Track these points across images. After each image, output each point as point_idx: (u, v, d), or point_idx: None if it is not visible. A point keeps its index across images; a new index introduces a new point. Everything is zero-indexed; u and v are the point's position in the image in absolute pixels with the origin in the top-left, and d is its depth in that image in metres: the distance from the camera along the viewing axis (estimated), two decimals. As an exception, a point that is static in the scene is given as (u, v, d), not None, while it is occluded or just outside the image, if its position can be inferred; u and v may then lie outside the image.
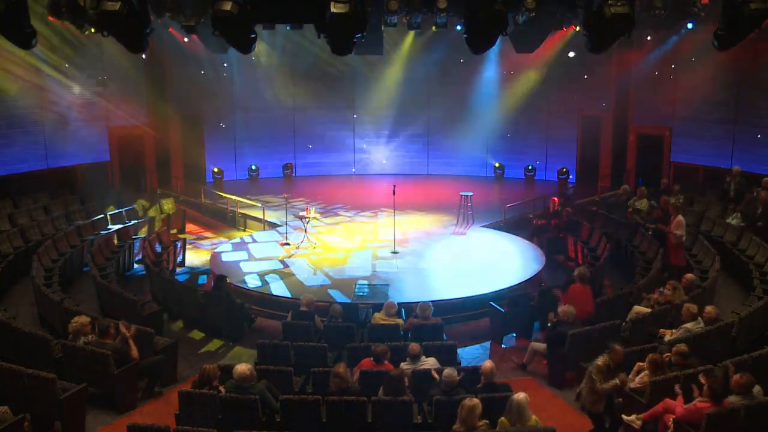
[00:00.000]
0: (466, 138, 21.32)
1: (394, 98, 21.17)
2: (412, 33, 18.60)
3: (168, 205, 16.32)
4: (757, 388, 6.37)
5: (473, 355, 9.62)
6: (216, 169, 20.55)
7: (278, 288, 11.53)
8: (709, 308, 8.62)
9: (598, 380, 6.83)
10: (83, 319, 8.05)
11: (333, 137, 21.60)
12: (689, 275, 10.12)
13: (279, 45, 19.39)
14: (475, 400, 5.78)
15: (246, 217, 16.64)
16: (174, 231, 15.57)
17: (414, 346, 7.52)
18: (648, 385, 6.93)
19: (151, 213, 15.92)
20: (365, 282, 11.69)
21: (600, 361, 6.94)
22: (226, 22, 8.26)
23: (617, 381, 6.84)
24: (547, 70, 19.66)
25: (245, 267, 12.61)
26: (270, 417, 6.73)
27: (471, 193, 16.12)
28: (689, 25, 13.62)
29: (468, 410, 5.69)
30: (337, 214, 16.79)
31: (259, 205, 14.80)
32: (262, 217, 16.12)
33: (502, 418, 5.85)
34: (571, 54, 17.57)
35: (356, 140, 21.94)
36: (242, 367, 6.80)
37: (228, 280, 10.68)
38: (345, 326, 9.10)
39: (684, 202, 14.54)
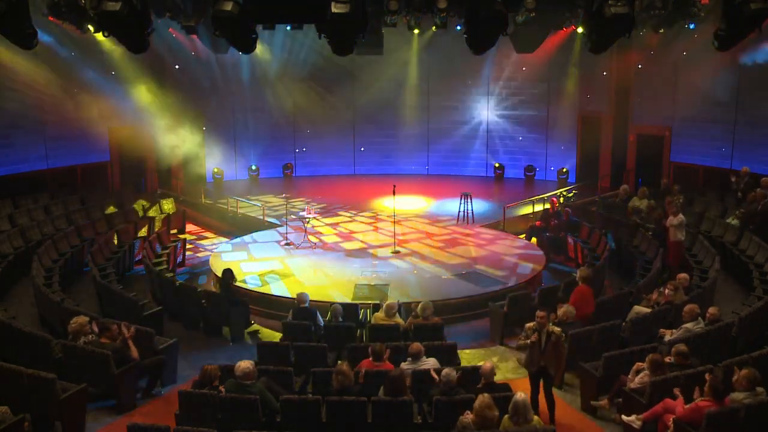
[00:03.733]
0: (466, 138, 21.33)
1: (394, 98, 21.19)
2: (413, 33, 18.59)
3: (168, 205, 16.32)
4: (760, 389, 6.38)
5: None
6: (216, 169, 20.56)
7: (278, 288, 11.55)
8: (712, 309, 8.64)
9: (521, 340, 7.56)
10: (82, 319, 8.04)
11: (333, 137, 21.58)
12: (682, 274, 10.14)
13: (279, 45, 19.39)
14: (486, 396, 5.77)
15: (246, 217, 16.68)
16: (174, 231, 15.56)
17: (415, 346, 7.52)
18: (648, 385, 6.93)
19: (151, 213, 15.92)
20: (365, 282, 11.69)
21: (527, 324, 7.56)
22: (226, 22, 8.26)
23: (532, 338, 7.38)
24: (548, 69, 19.71)
25: (245, 267, 12.61)
26: (270, 417, 6.73)
27: (471, 193, 16.14)
28: (691, 26, 13.61)
29: (486, 406, 5.67)
30: (338, 214, 16.79)
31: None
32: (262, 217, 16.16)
33: (506, 417, 5.85)
34: None
35: (356, 140, 21.93)
36: (245, 364, 6.83)
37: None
38: (345, 326, 9.11)
39: (684, 202, 14.54)
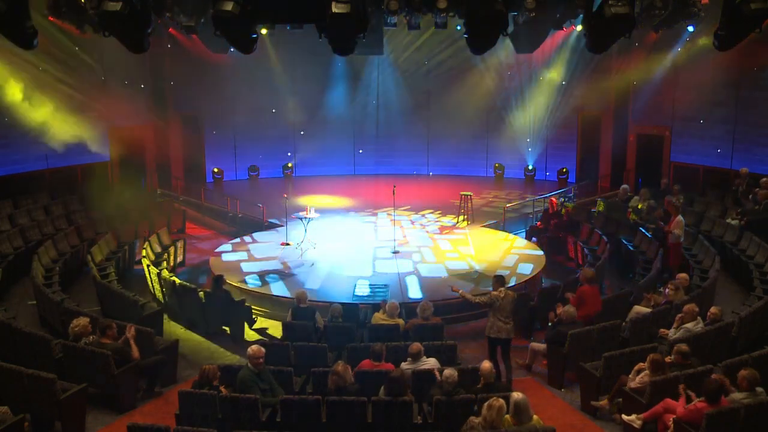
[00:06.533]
0: (466, 138, 21.33)
1: (394, 98, 21.19)
2: (412, 33, 18.60)
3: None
4: (760, 389, 6.38)
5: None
6: (216, 169, 20.56)
7: (278, 288, 11.54)
8: (713, 309, 8.64)
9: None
10: (84, 320, 8.04)
11: (332, 137, 21.59)
12: (682, 274, 10.15)
13: (279, 45, 19.41)
14: (502, 401, 5.78)
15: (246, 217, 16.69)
16: (174, 231, 15.57)
17: (415, 346, 7.52)
18: (648, 385, 6.93)
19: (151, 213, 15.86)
20: (365, 282, 11.68)
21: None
22: (227, 22, 8.26)
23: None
24: (547, 69, 19.72)
25: (245, 267, 12.61)
26: (271, 413, 6.75)
27: (471, 193, 16.13)
28: (690, 29, 13.60)
29: (497, 411, 5.68)
30: (338, 215, 16.79)
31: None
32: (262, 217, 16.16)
33: (506, 416, 5.86)
34: None
35: (356, 140, 21.92)
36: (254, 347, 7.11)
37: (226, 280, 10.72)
38: (345, 326, 9.11)
39: (684, 202, 14.54)
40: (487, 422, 5.62)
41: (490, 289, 8.93)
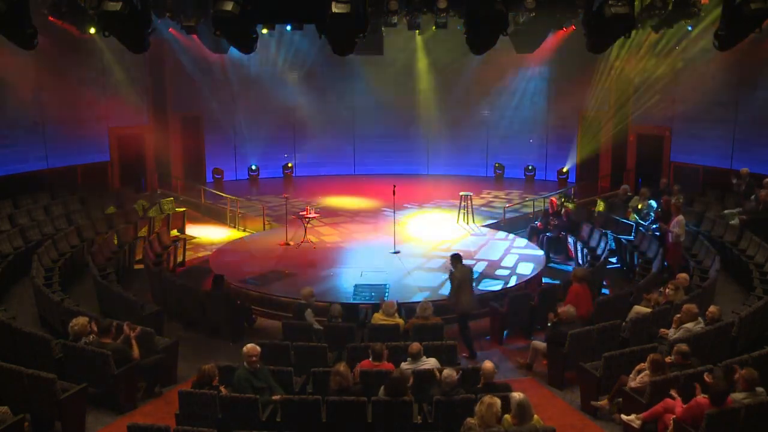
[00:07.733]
0: (466, 138, 21.32)
1: (394, 98, 21.18)
2: (413, 33, 18.59)
3: (168, 205, 16.33)
4: (760, 389, 6.38)
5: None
6: (216, 169, 20.56)
7: (278, 288, 11.54)
8: (712, 308, 8.64)
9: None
10: (83, 320, 8.03)
11: (333, 137, 21.58)
12: (682, 274, 10.15)
13: (279, 44, 19.42)
14: (496, 399, 5.78)
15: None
16: (174, 231, 15.56)
17: (414, 346, 7.52)
18: (648, 385, 6.94)
19: (151, 213, 15.92)
20: (365, 282, 11.68)
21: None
22: (227, 23, 8.27)
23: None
24: (548, 69, 19.72)
25: (245, 267, 12.61)
26: (272, 412, 6.74)
27: (471, 193, 16.13)
28: (689, 29, 13.61)
29: (486, 407, 5.68)
30: (338, 214, 16.79)
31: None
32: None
33: (507, 416, 5.86)
34: None
35: (356, 140, 21.92)
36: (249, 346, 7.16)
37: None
38: (345, 326, 9.11)
39: (684, 202, 14.54)
40: (483, 421, 5.63)
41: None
